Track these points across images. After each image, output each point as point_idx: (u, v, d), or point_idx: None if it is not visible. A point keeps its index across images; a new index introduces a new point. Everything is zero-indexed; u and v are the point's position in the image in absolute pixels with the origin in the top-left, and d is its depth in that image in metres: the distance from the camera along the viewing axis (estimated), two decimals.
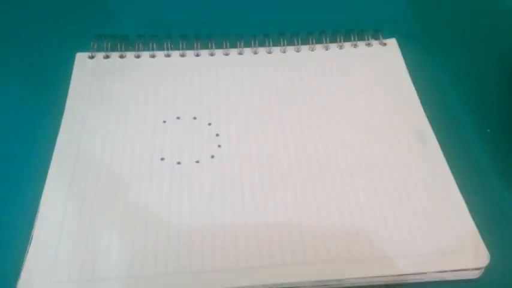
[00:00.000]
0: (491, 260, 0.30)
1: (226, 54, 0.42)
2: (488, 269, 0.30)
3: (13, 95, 0.39)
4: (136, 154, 0.35)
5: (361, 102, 0.39)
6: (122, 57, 0.42)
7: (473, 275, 0.31)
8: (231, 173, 0.34)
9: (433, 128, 0.37)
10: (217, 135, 0.37)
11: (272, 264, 0.30)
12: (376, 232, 0.32)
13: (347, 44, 0.43)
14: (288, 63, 0.42)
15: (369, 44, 0.43)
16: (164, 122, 0.37)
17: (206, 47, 0.42)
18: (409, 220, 0.32)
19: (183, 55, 0.42)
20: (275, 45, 0.43)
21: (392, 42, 0.43)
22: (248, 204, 0.33)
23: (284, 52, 0.43)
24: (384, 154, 0.36)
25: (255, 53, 0.43)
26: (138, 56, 0.42)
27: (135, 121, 0.37)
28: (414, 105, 0.39)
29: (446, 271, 0.30)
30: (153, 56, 0.42)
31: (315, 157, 0.35)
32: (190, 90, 0.39)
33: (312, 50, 0.43)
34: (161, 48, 0.42)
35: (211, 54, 0.42)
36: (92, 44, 0.41)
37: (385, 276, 0.30)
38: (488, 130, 0.39)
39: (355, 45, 0.43)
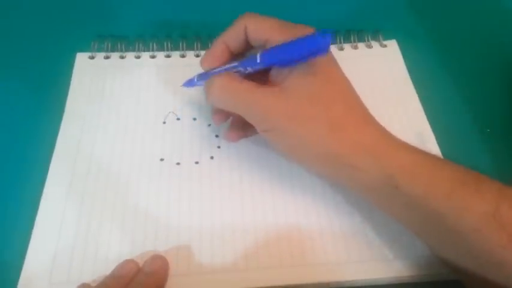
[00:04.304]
0: None
1: None
2: None
3: (13, 94, 0.39)
4: (136, 155, 0.35)
5: None
6: (122, 57, 0.42)
7: None
8: (230, 173, 0.35)
9: (433, 128, 0.37)
10: (216, 136, 0.37)
11: (271, 266, 0.30)
12: (377, 235, 0.32)
13: (347, 46, 0.43)
14: None
15: (369, 46, 0.43)
16: (164, 123, 0.37)
17: (206, 48, 0.42)
18: None
19: (183, 55, 0.42)
20: None
21: (392, 44, 0.43)
22: (247, 205, 0.33)
23: None
24: None
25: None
26: (138, 57, 0.42)
27: (135, 122, 0.37)
28: (415, 107, 0.39)
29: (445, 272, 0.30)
30: (153, 57, 0.42)
31: None
32: (190, 91, 0.39)
33: None
34: (161, 49, 0.42)
35: None
36: (92, 44, 0.41)
37: (386, 277, 0.30)
38: (488, 130, 0.39)
39: (355, 47, 0.43)
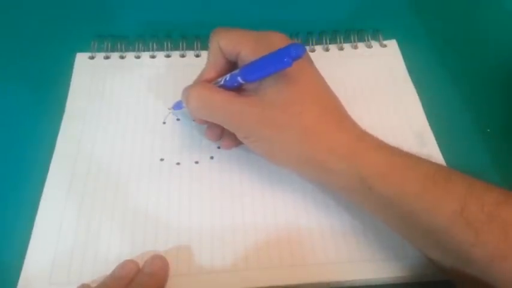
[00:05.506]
0: None
1: None
2: None
3: (14, 95, 0.39)
4: (136, 155, 0.35)
5: (361, 104, 0.39)
6: (122, 57, 0.42)
7: None
8: (231, 173, 0.35)
9: (433, 128, 0.37)
10: None
11: (271, 266, 0.30)
12: (378, 235, 0.32)
13: (347, 46, 0.43)
14: None
15: (369, 46, 0.43)
16: (164, 123, 0.37)
17: (206, 48, 0.42)
18: None
19: (183, 55, 0.42)
20: None
21: (392, 44, 0.43)
22: (247, 205, 0.33)
23: None
24: None
25: None
26: (138, 57, 0.42)
27: (135, 122, 0.37)
28: (414, 107, 0.39)
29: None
30: (153, 57, 0.42)
31: None
32: None
33: (312, 52, 0.43)
34: (161, 49, 0.42)
35: None
36: (92, 44, 0.41)
37: (388, 277, 0.30)
38: (488, 130, 0.39)
39: (355, 47, 0.43)
